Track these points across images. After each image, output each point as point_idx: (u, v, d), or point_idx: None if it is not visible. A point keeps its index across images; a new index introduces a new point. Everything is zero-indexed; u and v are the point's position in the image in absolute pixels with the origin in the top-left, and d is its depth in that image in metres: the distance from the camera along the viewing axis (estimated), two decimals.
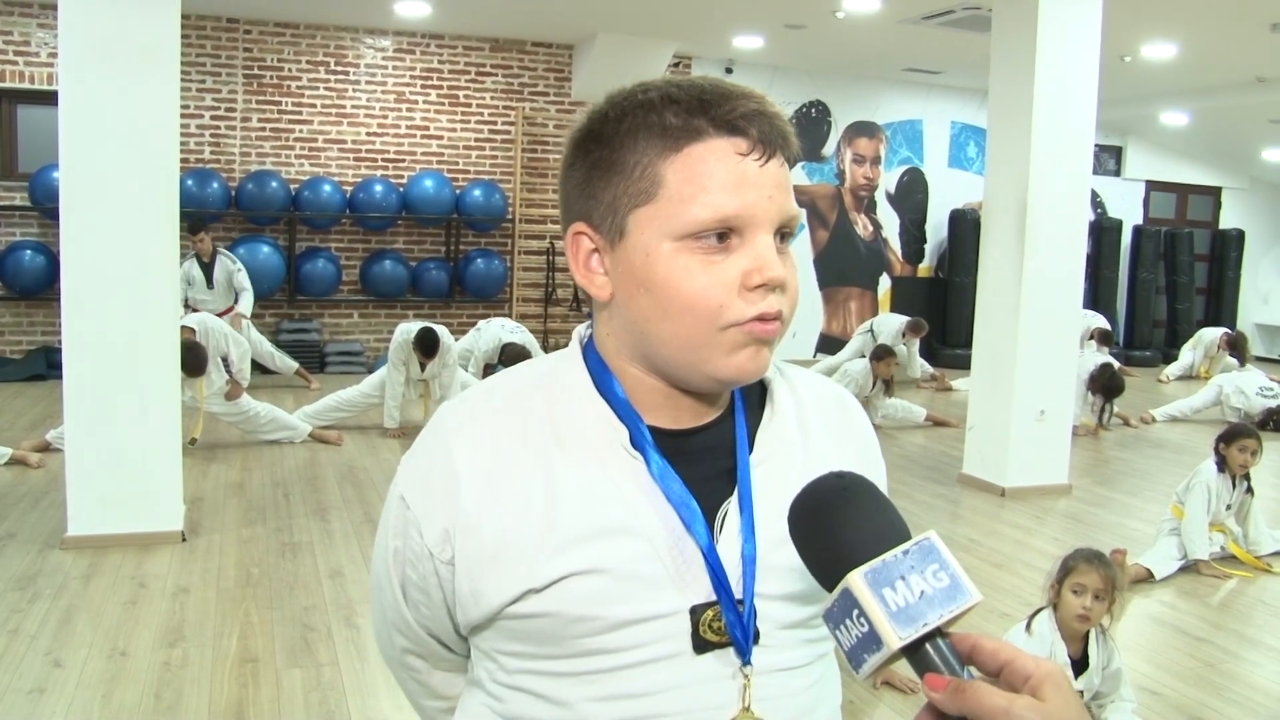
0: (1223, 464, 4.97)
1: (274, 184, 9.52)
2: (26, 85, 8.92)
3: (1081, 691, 3.03)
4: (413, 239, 10.33)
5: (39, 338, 9.19)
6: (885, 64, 11.07)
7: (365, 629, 3.86)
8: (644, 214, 0.93)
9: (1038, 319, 6.08)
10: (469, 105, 10.38)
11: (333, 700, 3.31)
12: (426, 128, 10.28)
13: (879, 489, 0.83)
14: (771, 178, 0.92)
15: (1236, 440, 4.94)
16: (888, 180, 12.26)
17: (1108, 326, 10.80)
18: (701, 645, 0.94)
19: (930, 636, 0.73)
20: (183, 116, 4.99)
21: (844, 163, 11.98)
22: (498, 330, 8.23)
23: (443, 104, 10.30)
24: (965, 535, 5.38)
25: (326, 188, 9.72)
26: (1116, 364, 8.66)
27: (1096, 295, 12.66)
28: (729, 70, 10.99)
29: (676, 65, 10.81)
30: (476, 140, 10.45)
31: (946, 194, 12.48)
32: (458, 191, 10.18)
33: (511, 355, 7.82)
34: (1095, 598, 2.99)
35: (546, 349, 8.35)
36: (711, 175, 0.91)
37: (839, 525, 0.79)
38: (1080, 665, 3.05)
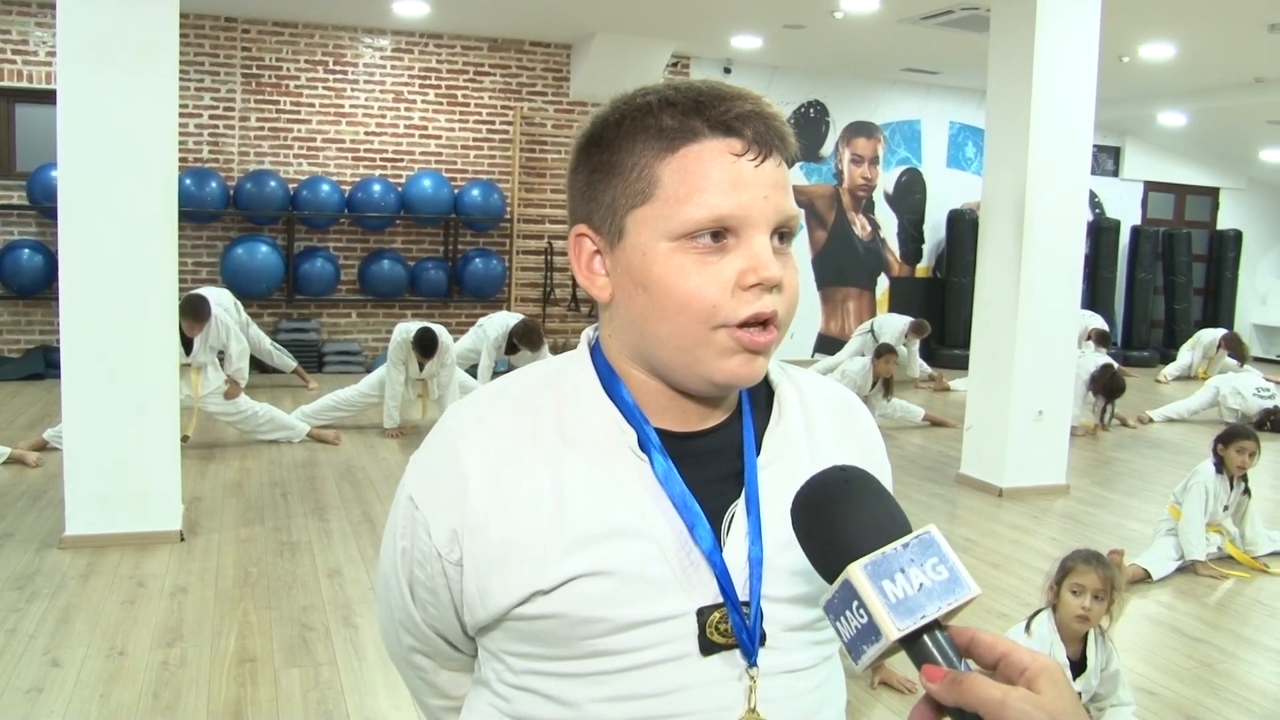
0: (1220, 465, 4.97)
1: (272, 183, 9.52)
2: (25, 84, 8.92)
3: (1080, 693, 3.03)
4: (411, 239, 10.33)
5: (37, 337, 9.19)
6: (884, 64, 11.08)
7: (364, 628, 3.86)
8: (641, 214, 0.94)
9: (1036, 319, 6.08)
10: (467, 105, 10.38)
11: (331, 700, 3.31)
12: (425, 127, 10.28)
13: (880, 483, 0.83)
14: (768, 178, 0.93)
15: (1235, 442, 4.94)
16: (886, 180, 12.27)
17: (1105, 327, 10.81)
18: (708, 647, 0.94)
19: (929, 629, 0.74)
20: (181, 116, 4.98)
21: (842, 163, 11.98)
22: (504, 318, 8.22)
23: (441, 104, 10.30)
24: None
25: (325, 187, 9.72)
26: (1116, 364, 8.66)
27: (1094, 296, 12.67)
28: (727, 70, 11.00)
29: (675, 65, 10.82)
30: (475, 140, 10.45)
31: (945, 194, 12.49)
32: (456, 191, 10.18)
33: (523, 330, 7.81)
34: (1094, 598, 2.99)
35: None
36: (707, 175, 0.92)
37: (840, 518, 0.80)
38: (1079, 667, 3.05)
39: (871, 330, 10.21)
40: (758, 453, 1.01)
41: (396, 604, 1.06)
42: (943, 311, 12.23)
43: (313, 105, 9.91)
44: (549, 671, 0.96)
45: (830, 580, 0.77)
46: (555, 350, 7.85)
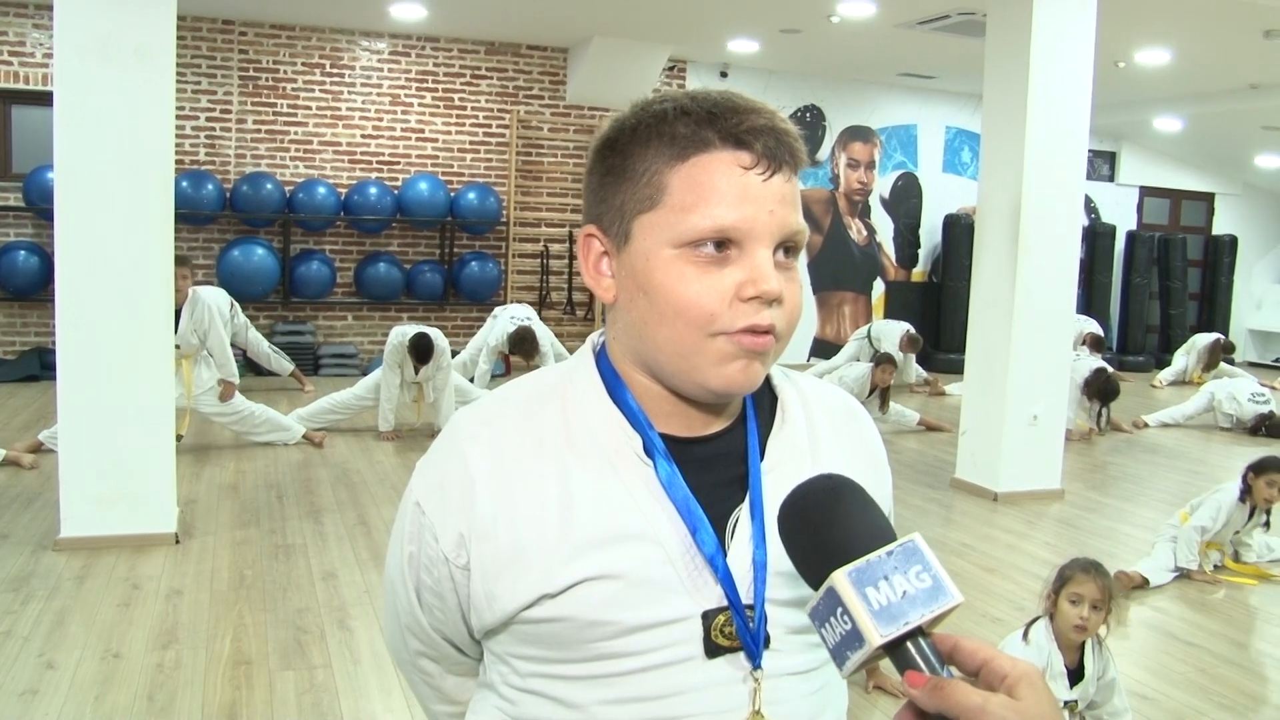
0: (1246, 493, 4.84)
1: (269, 186, 9.52)
2: (21, 86, 8.91)
3: (1076, 701, 3.03)
4: (407, 241, 10.33)
5: (33, 338, 9.18)
6: (880, 69, 11.09)
7: (358, 631, 3.86)
8: (647, 220, 0.95)
9: (1031, 324, 6.09)
10: (464, 108, 10.39)
11: (325, 702, 3.31)
12: (421, 130, 10.29)
13: (866, 492, 0.84)
14: (775, 192, 0.94)
15: (1266, 474, 4.76)
16: (882, 185, 12.28)
17: (1100, 331, 10.84)
18: (713, 649, 0.95)
19: (912, 635, 0.75)
20: (178, 118, 4.99)
21: (838, 167, 12.00)
22: (506, 322, 8.26)
23: (438, 107, 10.31)
24: (957, 540, 5.39)
25: (321, 190, 9.72)
26: (1110, 369, 8.68)
27: (1090, 300, 12.69)
28: (724, 74, 11.03)
29: (671, 69, 10.84)
30: (471, 143, 10.46)
31: (941, 198, 12.51)
32: (452, 194, 10.19)
33: (518, 338, 7.83)
34: (1093, 608, 2.98)
35: None
36: (714, 186, 0.93)
37: (825, 526, 0.81)
38: (1076, 675, 3.05)
39: (868, 336, 10.23)
40: (761, 457, 1.02)
41: (403, 609, 1.07)
42: (938, 316, 12.25)
43: (309, 108, 9.91)
44: (555, 674, 0.97)
45: (816, 588, 0.78)
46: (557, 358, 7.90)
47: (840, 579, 0.75)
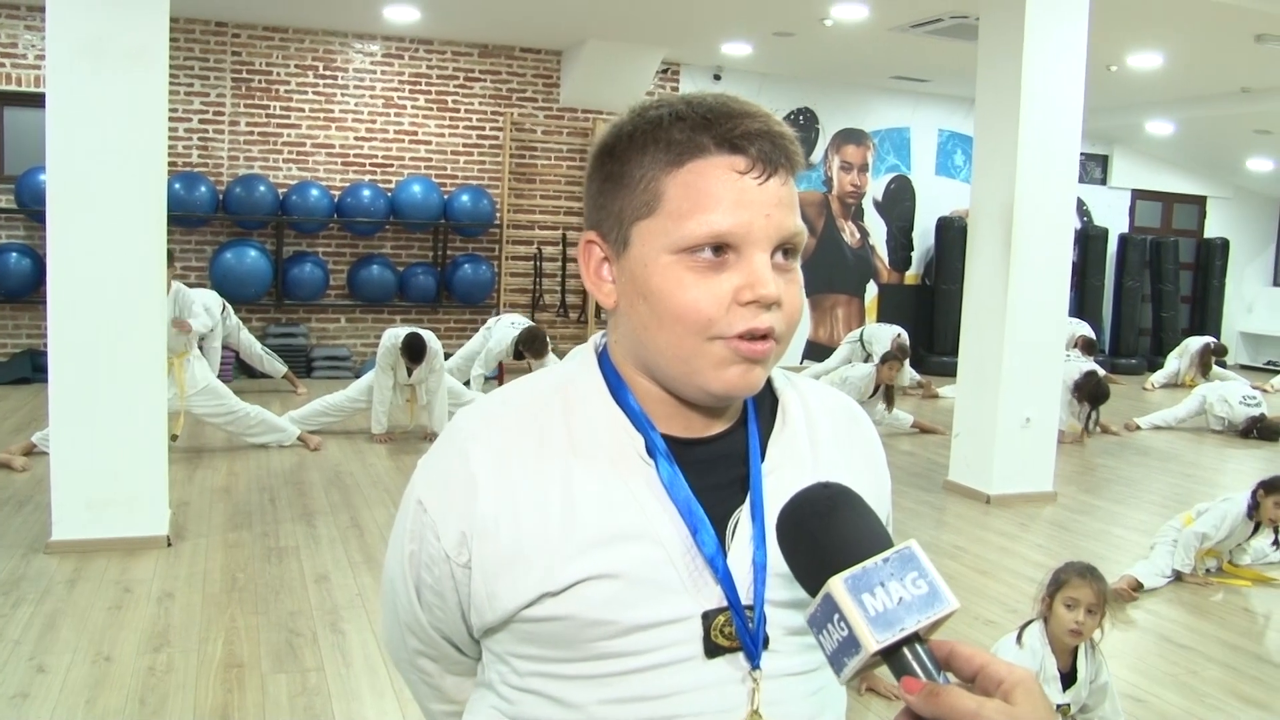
0: (1254, 509, 4.81)
1: (262, 188, 9.50)
2: (13, 87, 8.89)
3: (1069, 705, 3.04)
4: (400, 244, 10.32)
5: (24, 341, 9.16)
6: (873, 72, 11.11)
7: (350, 634, 3.86)
8: (645, 226, 0.95)
9: (1023, 326, 6.10)
10: (457, 110, 10.38)
11: (318, 705, 3.30)
12: (415, 133, 10.28)
13: (863, 499, 0.85)
14: (771, 196, 0.94)
15: (1276, 494, 4.74)
16: (875, 187, 12.30)
17: (1092, 334, 10.87)
18: (713, 650, 0.96)
19: (908, 641, 0.75)
20: (171, 120, 4.97)
21: (831, 170, 12.02)
22: (507, 328, 8.25)
23: (431, 109, 10.30)
24: (950, 542, 5.39)
25: (314, 192, 9.70)
26: (1101, 371, 8.70)
27: (1082, 303, 12.73)
28: (717, 77, 11.04)
29: (665, 72, 10.84)
30: (465, 145, 10.45)
31: (933, 201, 12.52)
32: (445, 196, 10.18)
33: (529, 336, 7.82)
34: (1088, 612, 2.97)
35: None
36: (710, 192, 0.93)
37: (822, 532, 0.81)
38: (1069, 678, 3.05)
39: (860, 339, 10.25)
40: (762, 459, 1.02)
41: (403, 607, 1.07)
42: (931, 318, 12.26)
43: (303, 110, 9.90)
44: (554, 673, 0.98)
45: (814, 594, 0.78)
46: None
47: (837, 585, 0.75)
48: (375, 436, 7.19)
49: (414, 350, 7.01)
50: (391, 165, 10.20)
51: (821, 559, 0.79)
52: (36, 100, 7.95)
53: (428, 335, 7.15)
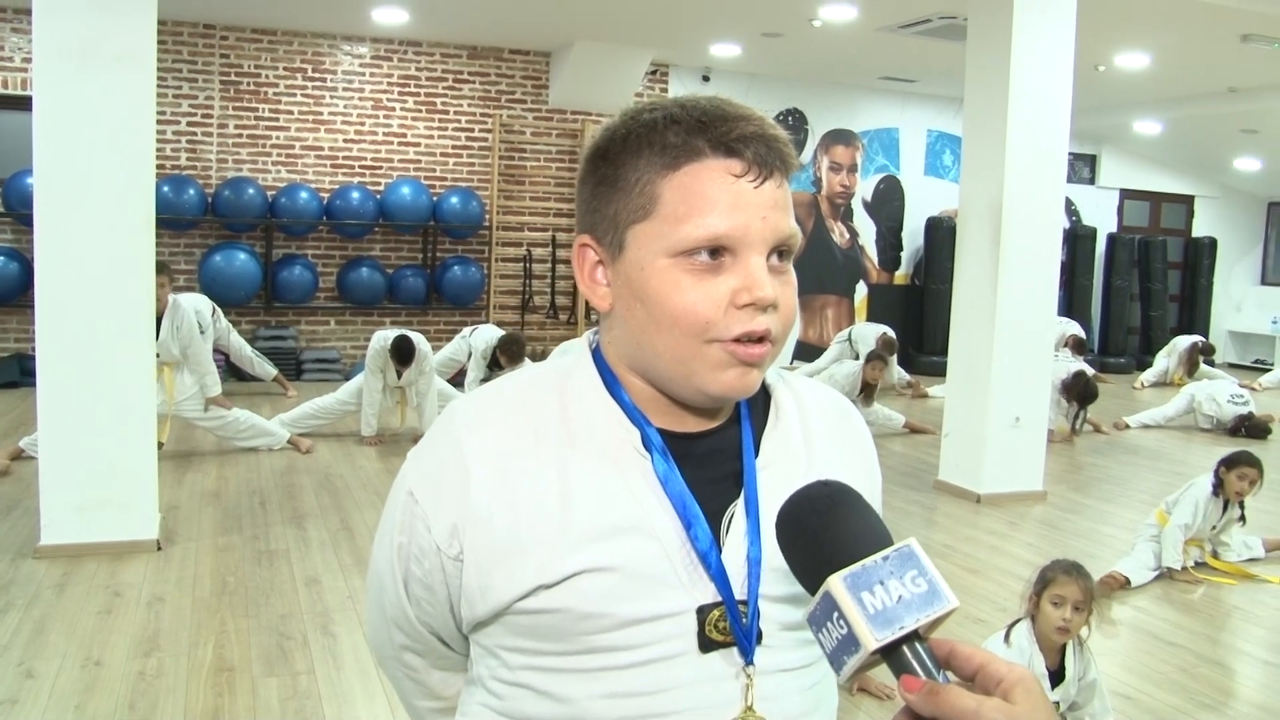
0: (1219, 487, 4.91)
1: (251, 190, 9.47)
2: (1, 90, 8.85)
3: (1058, 703, 3.04)
4: (390, 246, 10.30)
5: (13, 344, 9.11)
6: (862, 72, 11.13)
7: (341, 637, 3.85)
8: (641, 230, 0.95)
9: (1013, 326, 6.12)
10: (446, 112, 10.37)
11: (309, 708, 3.29)
12: (404, 135, 10.26)
13: (863, 497, 0.85)
14: (767, 198, 0.94)
15: (1237, 468, 4.87)
16: (864, 188, 12.32)
17: (1081, 334, 10.89)
18: (707, 644, 0.96)
19: (908, 640, 0.75)
20: (159, 122, 4.96)
21: (820, 170, 12.03)
22: (490, 333, 8.21)
23: (420, 111, 10.28)
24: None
25: (303, 194, 9.68)
26: (1090, 370, 8.72)
27: (1071, 303, 12.76)
28: (706, 78, 11.04)
29: (654, 73, 10.85)
30: (454, 147, 10.44)
31: (923, 201, 12.55)
32: (435, 199, 10.16)
33: (510, 340, 7.79)
34: (1075, 609, 2.98)
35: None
36: (706, 195, 0.93)
37: (822, 531, 0.81)
38: (1057, 676, 3.05)
39: (849, 339, 10.28)
40: (756, 454, 1.02)
41: (390, 601, 1.07)
42: (920, 318, 12.29)
43: (291, 112, 9.87)
44: (546, 667, 0.97)
45: (813, 593, 0.78)
46: (534, 359, 7.86)
47: (836, 583, 0.75)
48: (364, 439, 7.18)
49: (402, 353, 7.00)
50: (380, 167, 10.18)
51: (821, 557, 0.79)
52: (24, 103, 7.90)
53: (417, 337, 7.14)
